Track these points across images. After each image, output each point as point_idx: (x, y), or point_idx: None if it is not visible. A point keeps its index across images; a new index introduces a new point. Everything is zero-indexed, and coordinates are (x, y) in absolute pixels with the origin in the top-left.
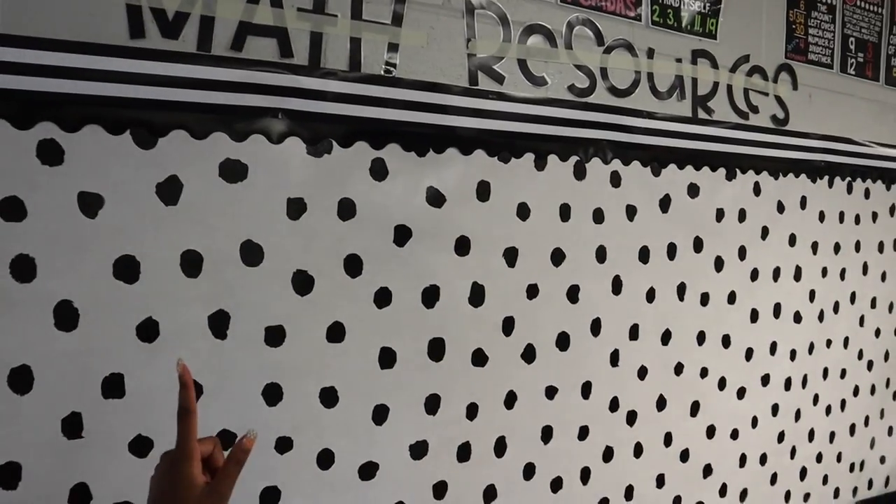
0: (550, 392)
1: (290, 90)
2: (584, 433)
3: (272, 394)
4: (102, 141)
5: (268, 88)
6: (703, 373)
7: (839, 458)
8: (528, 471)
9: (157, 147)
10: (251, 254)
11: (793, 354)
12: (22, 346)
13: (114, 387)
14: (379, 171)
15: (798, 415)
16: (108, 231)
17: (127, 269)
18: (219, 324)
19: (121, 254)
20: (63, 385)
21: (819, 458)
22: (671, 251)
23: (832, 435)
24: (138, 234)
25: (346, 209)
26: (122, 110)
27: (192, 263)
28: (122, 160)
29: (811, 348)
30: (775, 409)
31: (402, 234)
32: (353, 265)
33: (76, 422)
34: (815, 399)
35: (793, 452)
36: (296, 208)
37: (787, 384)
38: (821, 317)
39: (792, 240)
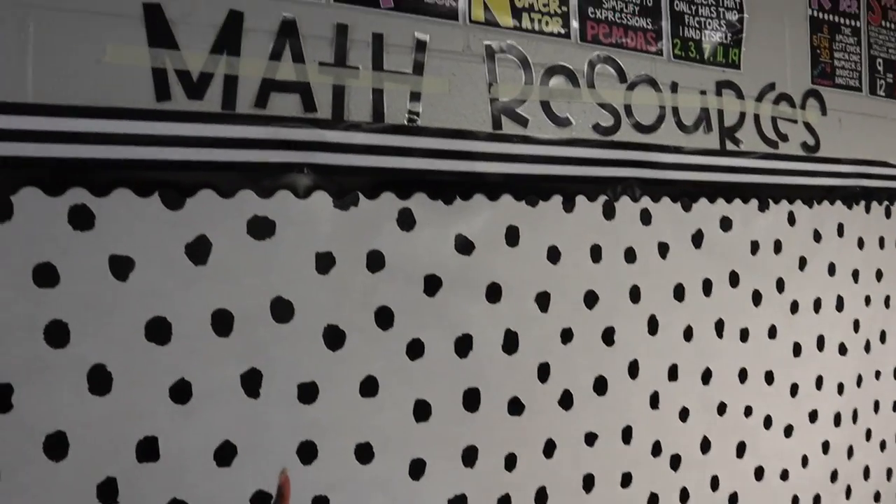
0: (590, 439)
1: (314, 144)
2: (626, 480)
3: (307, 452)
4: (132, 203)
5: (293, 144)
6: (748, 411)
7: None
8: None
9: (186, 207)
10: (281, 310)
11: (840, 388)
12: (56, 412)
13: (148, 450)
14: (406, 221)
15: (851, 452)
16: (139, 293)
17: (159, 331)
18: (251, 382)
19: (152, 315)
20: (98, 450)
21: (877, 497)
22: (707, 287)
23: (889, 472)
24: (169, 295)
25: (375, 261)
26: (150, 172)
27: (223, 322)
28: (151, 222)
29: (859, 381)
30: (826, 447)
31: (433, 284)
32: (384, 317)
33: (111, 487)
34: (868, 434)
35: (848, 492)
36: (324, 262)
37: (837, 420)
38: (867, 347)
39: (831, 269)
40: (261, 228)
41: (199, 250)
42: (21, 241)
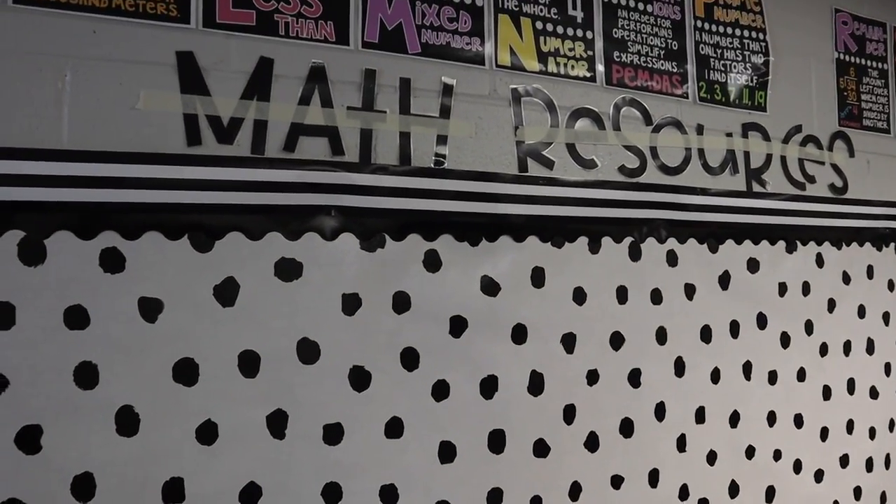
0: (616, 481)
1: (342, 187)
2: None
3: (332, 493)
4: (161, 246)
5: (320, 187)
6: (777, 455)
7: None
8: None
9: (214, 250)
10: (308, 351)
11: (872, 432)
12: (85, 453)
13: (174, 492)
14: (432, 262)
15: (884, 498)
16: (167, 335)
17: (186, 372)
18: (277, 423)
19: (180, 357)
20: (124, 491)
21: None
22: (734, 329)
23: None
24: (197, 336)
25: (401, 302)
26: (179, 215)
27: (249, 363)
28: (180, 264)
29: (891, 425)
30: (858, 493)
31: (458, 325)
32: (410, 358)
33: None
34: None
35: None
36: (351, 304)
37: (869, 465)
38: None
39: (861, 311)
40: (288, 270)
41: (227, 292)
42: (53, 284)
